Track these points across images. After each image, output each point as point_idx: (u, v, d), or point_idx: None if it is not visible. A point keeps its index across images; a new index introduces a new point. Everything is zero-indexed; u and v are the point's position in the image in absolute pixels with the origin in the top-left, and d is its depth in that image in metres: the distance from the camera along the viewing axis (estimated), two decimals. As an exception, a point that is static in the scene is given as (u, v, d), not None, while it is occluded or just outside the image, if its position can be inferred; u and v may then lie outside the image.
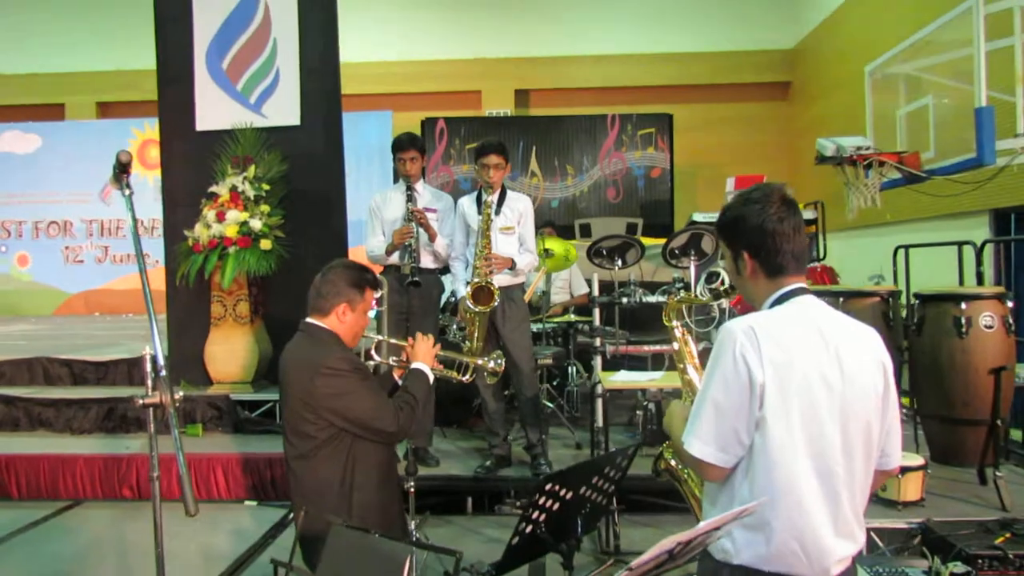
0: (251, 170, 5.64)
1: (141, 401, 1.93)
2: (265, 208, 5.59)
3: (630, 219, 7.17)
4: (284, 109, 5.87)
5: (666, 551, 1.59)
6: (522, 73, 11.53)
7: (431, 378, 2.98)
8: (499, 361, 3.38)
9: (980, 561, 3.02)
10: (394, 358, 3.13)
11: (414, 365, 2.97)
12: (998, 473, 3.70)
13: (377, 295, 4.08)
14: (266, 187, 5.65)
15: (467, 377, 3.30)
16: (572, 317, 5.96)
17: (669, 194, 9.93)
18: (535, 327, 5.73)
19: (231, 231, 5.44)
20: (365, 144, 10.20)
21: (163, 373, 1.92)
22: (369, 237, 4.86)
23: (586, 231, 7.12)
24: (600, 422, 4.71)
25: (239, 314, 5.61)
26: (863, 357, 1.81)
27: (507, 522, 4.27)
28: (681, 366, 2.47)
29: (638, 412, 5.09)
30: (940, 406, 3.85)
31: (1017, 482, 4.03)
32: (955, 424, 3.78)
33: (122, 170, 2.12)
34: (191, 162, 5.91)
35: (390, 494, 2.85)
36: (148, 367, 1.92)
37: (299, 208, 5.80)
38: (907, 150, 5.84)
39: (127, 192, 2.13)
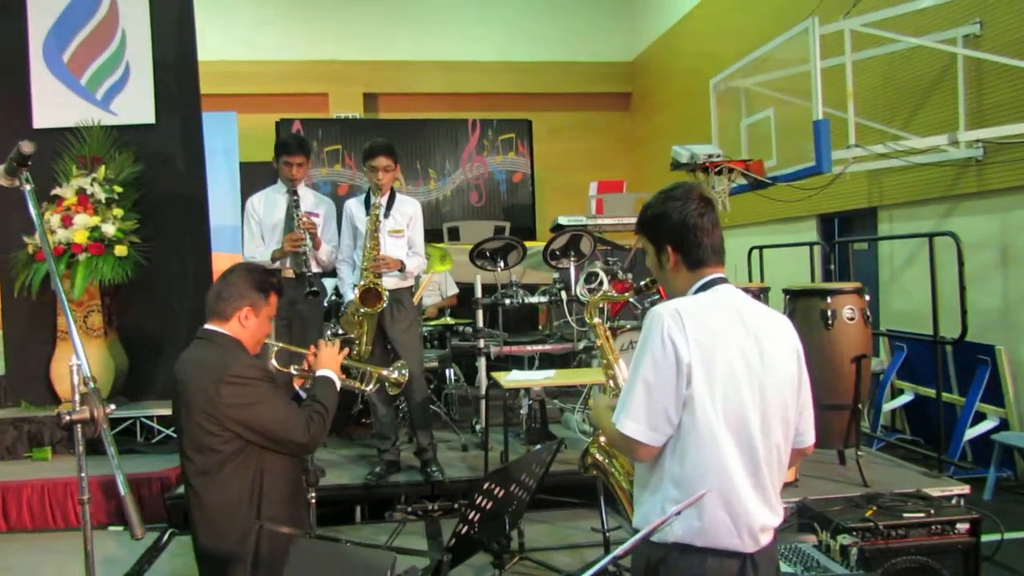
0: (101, 171, 5.21)
1: (68, 417, 1.73)
2: (118, 212, 5.17)
3: (497, 222, 7.25)
4: (136, 106, 5.45)
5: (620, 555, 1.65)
6: (370, 77, 11.38)
7: (338, 385, 2.86)
8: (403, 372, 3.29)
9: (855, 533, 3.30)
10: (296, 367, 2.99)
11: (320, 372, 2.84)
12: (859, 453, 4.06)
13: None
14: (119, 189, 5.24)
15: (370, 387, 3.20)
16: (449, 320, 5.94)
17: (531, 198, 10.12)
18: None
19: (80, 237, 5.00)
20: (209, 145, 9.63)
21: (92, 385, 1.74)
22: (247, 243, 4.60)
23: (454, 234, 7.12)
24: (483, 423, 4.76)
25: (91, 326, 5.16)
26: (780, 342, 1.95)
27: (396, 528, 4.20)
28: (604, 361, 2.54)
29: (521, 412, 5.15)
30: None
31: (870, 460, 4.43)
32: (823, 409, 4.07)
33: (21, 162, 1.91)
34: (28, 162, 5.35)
35: (300, 506, 2.74)
36: (75, 379, 1.73)
37: (157, 212, 5.42)
38: (752, 158, 6.29)
39: (28, 187, 1.91)
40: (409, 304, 4.54)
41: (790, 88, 6.17)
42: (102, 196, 5.14)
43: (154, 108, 5.49)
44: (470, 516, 2.33)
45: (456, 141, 10.04)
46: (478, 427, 5.19)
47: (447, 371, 5.83)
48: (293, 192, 4.50)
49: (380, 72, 11.33)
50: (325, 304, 5.21)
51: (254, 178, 9.44)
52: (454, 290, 6.43)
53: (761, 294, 4.41)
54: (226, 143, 9.55)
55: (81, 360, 1.75)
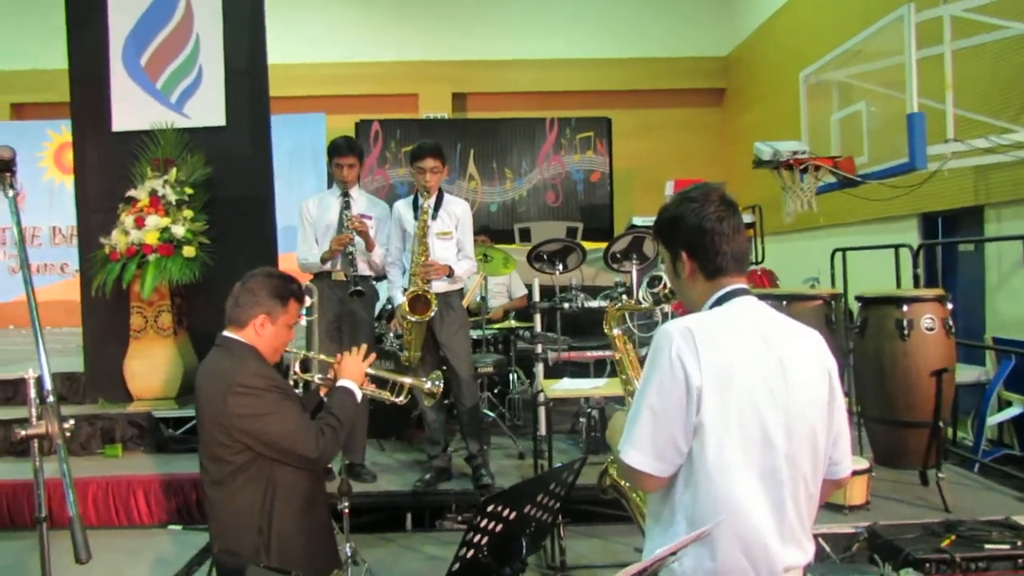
0: (172, 173, 5.35)
1: (23, 432, 1.68)
2: (188, 213, 5.30)
3: (570, 223, 7.08)
4: (208, 109, 5.58)
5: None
6: (459, 76, 11.36)
7: (358, 397, 2.76)
8: (437, 383, 3.16)
9: (928, 565, 2.99)
10: (320, 376, 2.92)
11: (340, 383, 2.74)
12: (940, 475, 3.70)
13: (307, 304, 3.87)
14: (189, 191, 5.36)
15: (401, 398, 3.07)
16: (513, 323, 5.83)
17: (608, 198, 9.89)
18: (475, 334, 5.59)
19: (151, 238, 5.14)
20: (297, 147, 9.87)
21: (50, 399, 1.69)
22: (300, 244, 4.63)
23: (525, 235, 7.00)
24: (543, 431, 4.59)
25: (161, 326, 5.30)
26: (807, 361, 1.74)
27: (448, 538, 4.11)
28: (623, 376, 2.37)
29: (581, 420, 4.98)
30: (883, 408, 3.83)
31: (957, 482, 4.04)
32: (898, 426, 3.77)
33: (3, 168, 1.89)
34: (107, 165, 5.57)
35: (315, 520, 2.64)
36: (32, 392, 1.68)
37: (225, 213, 5.52)
38: (841, 155, 5.91)
39: (11, 193, 1.90)
40: (459, 307, 4.44)
41: (884, 80, 5.79)
42: (173, 198, 5.26)
43: (224, 111, 5.60)
44: (474, 539, 2.17)
45: (533, 140, 9.90)
46: (539, 434, 5.04)
47: (510, 375, 5.71)
48: (345, 193, 4.48)
49: (469, 71, 11.31)
50: (377, 308, 5.16)
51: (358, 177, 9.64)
52: (522, 291, 6.29)
53: (832, 301, 4.07)
54: (314, 144, 9.74)
55: (43, 372, 1.70)
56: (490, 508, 2.19)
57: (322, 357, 3.02)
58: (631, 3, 11.47)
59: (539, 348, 4.94)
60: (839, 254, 5.92)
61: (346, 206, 4.44)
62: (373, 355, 2.89)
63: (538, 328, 5.05)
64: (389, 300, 5.53)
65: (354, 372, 2.78)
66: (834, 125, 6.41)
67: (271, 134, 5.68)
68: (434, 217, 4.37)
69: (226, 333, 2.62)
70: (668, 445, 1.64)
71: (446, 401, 4.78)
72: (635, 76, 11.37)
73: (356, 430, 4.53)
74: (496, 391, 5.79)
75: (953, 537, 3.15)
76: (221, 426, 2.44)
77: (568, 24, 11.36)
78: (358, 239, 4.40)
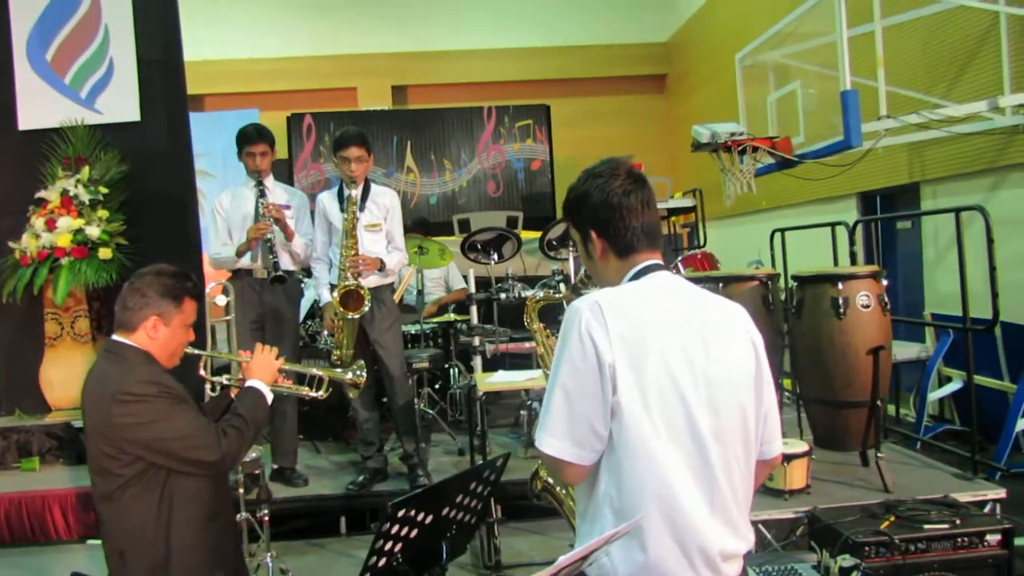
0: (85, 172, 5.07)
1: None
2: (103, 213, 5.02)
3: (510, 212, 6.94)
4: (121, 103, 5.30)
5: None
6: (398, 69, 11.14)
7: (268, 397, 2.59)
8: (359, 373, 3.02)
9: (867, 549, 2.93)
10: (227, 376, 2.74)
11: (248, 383, 2.57)
12: (879, 455, 3.65)
13: (224, 303, 3.67)
14: (104, 190, 5.09)
15: (321, 393, 2.92)
16: (452, 316, 5.67)
17: (550, 186, 9.76)
18: (413, 328, 5.43)
19: (63, 240, 4.87)
20: (231, 144, 9.55)
21: None
22: (212, 240, 4.41)
23: (465, 226, 6.83)
24: (479, 427, 4.45)
25: (78, 332, 5.03)
26: (730, 333, 1.64)
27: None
28: (547, 371, 2.25)
29: (522, 413, 4.85)
30: (821, 389, 3.76)
31: (897, 461, 4.01)
32: (837, 407, 3.70)
33: None
34: (15, 165, 5.26)
35: (220, 531, 2.46)
36: None
37: (144, 213, 5.25)
38: (778, 135, 5.88)
39: None
40: (390, 303, 4.28)
41: (818, 60, 5.76)
42: (86, 198, 5.00)
43: (139, 105, 5.34)
44: (384, 546, 2.03)
45: (472, 130, 9.72)
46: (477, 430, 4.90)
47: (451, 370, 5.56)
48: (259, 183, 4.29)
49: (408, 64, 11.11)
50: (303, 305, 4.97)
51: (278, 175, 9.36)
52: (460, 283, 6.13)
53: (769, 282, 4.00)
54: (248, 140, 9.43)
55: None
56: (401, 513, 2.04)
57: (226, 356, 2.83)
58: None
59: (476, 341, 4.80)
60: (778, 235, 5.88)
61: (261, 194, 4.26)
62: (282, 358, 2.71)
63: (475, 320, 4.91)
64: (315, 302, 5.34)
65: (263, 371, 2.61)
66: (771, 106, 6.38)
67: (190, 128, 5.43)
68: (362, 209, 4.21)
69: (115, 337, 2.43)
70: (585, 428, 1.53)
71: (383, 400, 4.61)
72: (576, 64, 11.27)
73: (285, 433, 4.36)
74: (437, 387, 5.64)
75: (892, 519, 3.10)
76: (106, 437, 2.26)
77: (507, 14, 11.21)
78: (277, 230, 4.21)
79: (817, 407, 3.88)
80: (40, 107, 5.28)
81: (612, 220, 1.68)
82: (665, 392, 1.53)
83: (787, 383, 5.15)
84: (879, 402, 3.62)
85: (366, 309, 3.94)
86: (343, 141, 4.14)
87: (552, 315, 4.29)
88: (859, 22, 5.51)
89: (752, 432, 1.64)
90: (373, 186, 4.34)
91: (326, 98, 10.97)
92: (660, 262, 1.71)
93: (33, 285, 4.87)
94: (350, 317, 3.94)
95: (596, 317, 1.54)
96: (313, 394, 2.87)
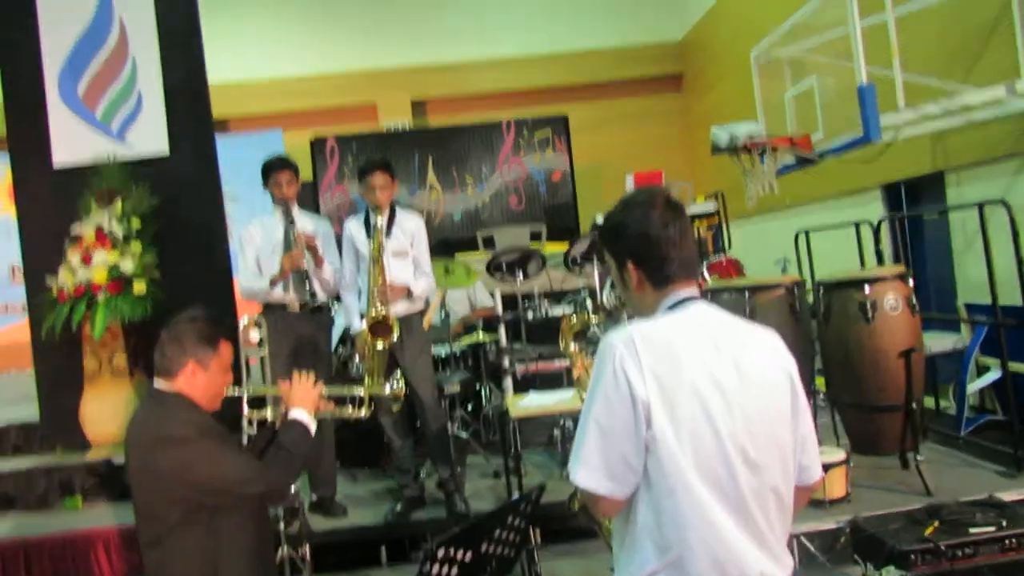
0: (118, 206, 5.14)
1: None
2: (137, 247, 5.10)
3: (533, 226, 6.94)
4: (150, 137, 5.39)
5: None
6: (417, 82, 11.16)
7: (312, 426, 2.64)
8: (398, 384, 3.05)
9: (913, 557, 2.90)
10: (273, 411, 2.79)
11: (290, 413, 2.62)
12: (919, 457, 3.62)
13: (258, 339, 3.73)
14: (136, 224, 5.16)
15: (364, 412, 2.97)
16: (481, 336, 5.69)
17: (572, 196, 9.76)
18: (442, 351, 5.45)
19: (100, 276, 4.94)
20: (254, 167, 9.65)
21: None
22: (242, 271, 4.44)
23: (489, 243, 6.86)
24: (513, 449, 4.47)
25: (116, 367, 5.12)
26: (764, 363, 1.65)
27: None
28: (583, 395, 2.26)
29: (556, 431, 4.85)
30: (855, 394, 3.74)
31: (937, 460, 3.97)
32: (871, 411, 3.68)
33: None
34: (50, 201, 5.36)
35: (264, 568, 2.51)
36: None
37: (175, 244, 5.33)
38: (797, 133, 5.84)
39: None
40: (419, 329, 4.30)
41: (834, 53, 5.70)
42: (120, 232, 5.07)
43: (167, 137, 5.42)
44: (428, 584, 2.06)
45: (492, 144, 9.75)
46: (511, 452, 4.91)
47: (483, 390, 5.56)
48: (287, 211, 4.34)
49: (426, 77, 11.10)
50: (336, 334, 5.01)
51: (303, 198, 9.47)
52: (486, 300, 6.13)
53: (795, 288, 3.98)
54: (273, 163, 9.52)
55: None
56: (441, 553, 2.07)
57: (264, 389, 2.88)
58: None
59: (506, 362, 4.81)
60: (803, 236, 5.83)
61: (291, 223, 4.30)
62: (321, 383, 2.76)
63: (503, 340, 4.91)
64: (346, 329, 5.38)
65: (304, 399, 2.66)
66: (788, 103, 6.33)
67: (218, 158, 5.51)
68: (388, 235, 4.24)
69: (156, 385, 2.48)
70: (619, 463, 1.55)
71: (416, 426, 4.63)
72: (592, 68, 11.20)
73: (323, 463, 4.40)
74: (469, 408, 5.65)
75: (936, 524, 3.07)
76: (152, 484, 2.31)
77: (520, 23, 11.19)
78: (308, 258, 4.26)
79: (851, 412, 3.85)
80: (73, 143, 5.37)
81: (650, 252, 1.70)
82: (699, 426, 1.55)
83: (820, 383, 5.11)
84: (914, 405, 3.58)
85: (395, 338, 3.97)
86: (367, 169, 4.18)
87: (582, 332, 4.27)
88: (871, 11, 5.46)
89: (790, 461, 1.65)
90: (399, 211, 4.36)
91: (347, 114, 11.03)
92: (697, 293, 1.73)
93: (71, 321, 4.95)
94: (379, 348, 3.97)
95: (630, 352, 1.56)
96: (357, 413, 2.93)
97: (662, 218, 1.69)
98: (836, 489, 3.48)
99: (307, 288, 4.20)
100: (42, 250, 5.36)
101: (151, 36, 5.45)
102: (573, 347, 2.30)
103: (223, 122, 11.01)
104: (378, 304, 4.00)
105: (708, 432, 1.55)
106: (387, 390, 2.99)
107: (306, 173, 9.61)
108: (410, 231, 4.32)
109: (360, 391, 2.92)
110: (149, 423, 2.38)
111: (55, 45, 5.43)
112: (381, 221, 4.17)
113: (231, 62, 10.65)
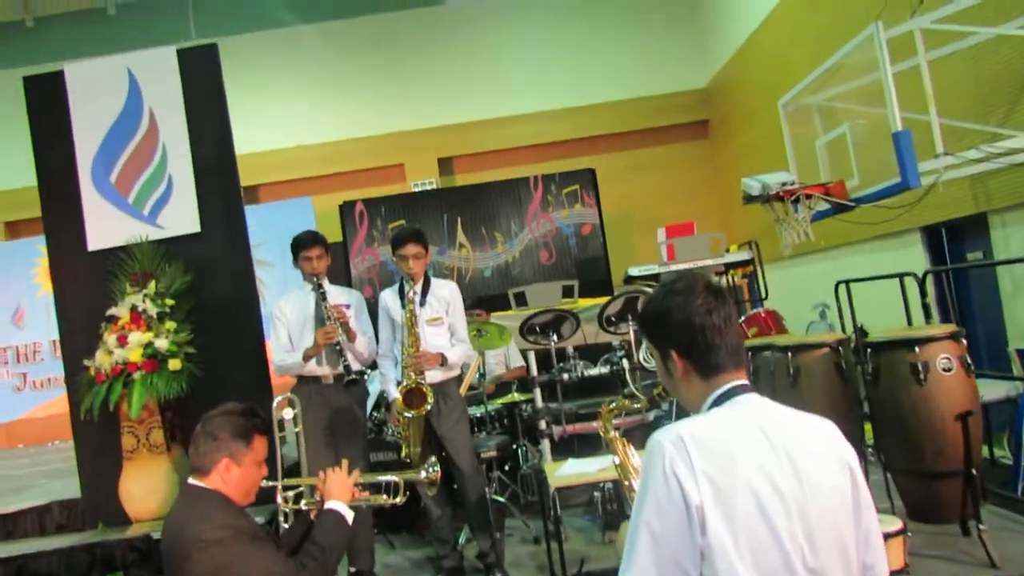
0: (151, 286, 5.21)
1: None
2: (171, 325, 5.14)
3: (565, 282, 6.90)
4: (181, 217, 5.47)
5: None
6: (443, 141, 11.33)
7: (348, 517, 2.60)
8: (433, 469, 3.00)
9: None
10: (305, 501, 2.75)
11: (326, 505, 2.59)
12: (980, 526, 3.44)
13: (291, 416, 3.70)
14: (170, 302, 5.20)
15: (399, 499, 2.92)
16: (516, 396, 5.61)
17: (602, 249, 9.73)
18: (477, 411, 5.39)
19: (135, 355, 4.98)
20: (286, 234, 9.74)
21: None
22: (275, 347, 4.47)
23: (521, 300, 6.83)
24: (552, 516, 4.35)
25: (153, 443, 5.12)
26: (820, 455, 1.56)
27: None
28: (627, 483, 2.19)
29: (596, 493, 4.73)
30: (909, 460, 3.58)
31: (1002, 527, 3.77)
32: (928, 478, 3.52)
33: None
34: (86, 284, 5.45)
35: None
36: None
37: (208, 319, 5.35)
38: (831, 180, 5.74)
39: None
40: (456, 396, 4.26)
41: (866, 98, 5.64)
42: (153, 311, 5.12)
43: (199, 216, 5.49)
44: None
45: (520, 200, 9.79)
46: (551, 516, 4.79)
47: (519, 451, 5.47)
48: (319, 285, 4.35)
49: (453, 135, 11.30)
50: (370, 403, 4.97)
51: (335, 261, 9.53)
52: (520, 361, 6.07)
53: (840, 347, 3.85)
54: (304, 229, 9.63)
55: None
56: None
57: (306, 481, 2.84)
58: (605, 46, 11.46)
59: (543, 424, 4.73)
60: (843, 287, 5.69)
61: (323, 298, 4.31)
62: (356, 471, 2.71)
63: (539, 402, 4.83)
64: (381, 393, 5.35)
65: (340, 490, 2.62)
66: (820, 150, 6.23)
67: (248, 233, 5.56)
68: (422, 304, 4.23)
69: (191, 480, 2.46)
70: (673, 570, 1.46)
71: (454, 492, 4.56)
72: (618, 119, 11.30)
73: (360, 534, 4.32)
74: (507, 467, 5.56)
75: (1004, 598, 2.90)
76: None
77: (545, 78, 11.34)
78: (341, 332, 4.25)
79: (907, 479, 3.69)
80: (107, 227, 5.47)
81: (695, 340, 1.64)
82: (757, 530, 1.46)
83: (869, 431, 4.92)
84: (974, 470, 3.42)
85: (429, 407, 3.93)
86: (401, 240, 4.19)
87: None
88: (903, 57, 5.40)
89: (853, 560, 1.55)
90: (433, 280, 4.37)
91: (375, 176, 11.21)
92: (746, 382, 1.66)
93: (109, 401, 4.98)
94: (412, 416, 3.93)
95: (680, 454, 1.49)
96: (392, 501, 2.88)
97: (705, 305, 1.64)
98: (894, 560, 3.31)
99: (342, 360, 4.18)
100: (79, 329, 5.43)
101: (180, 121, 5.54)
102: (613, 433, 2.22)
103: (253, 190, 11.28)
104: (412, 372, 3.98)
105: (768, 538, 1.46)
106: (423, 475, 2.94)
107: (336, 236, 9.74)
108: (444, 298, 4.31)
109: (395, 477, 2.86)
110: (186, 521, 2.35)
111: (87, 133, 5.56)
112: (415, 290, 4.16)
113: (259, 132, 10.99)
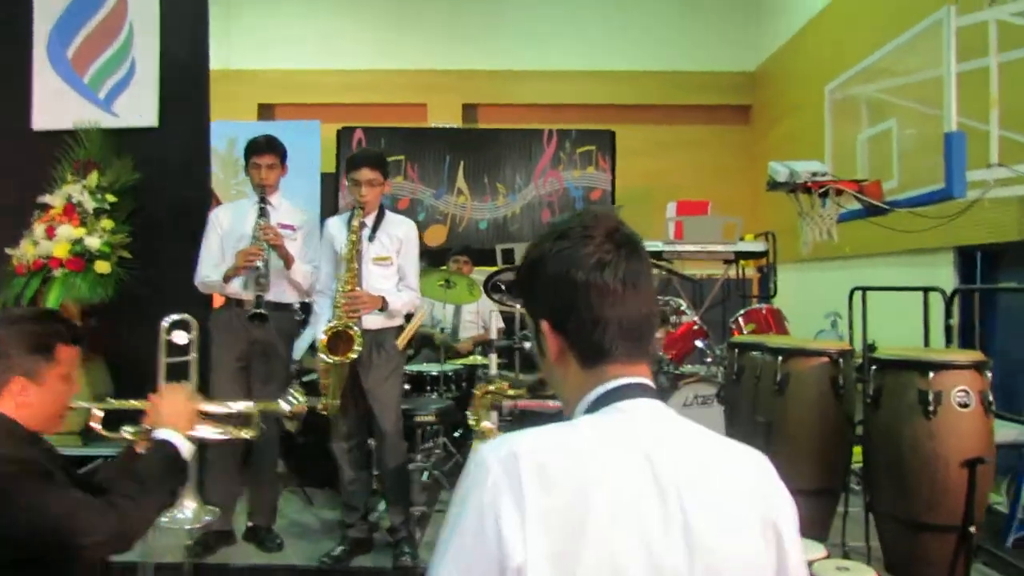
0: (93, 178, 4.71)
1: None
2: (107, 224, 4.65)
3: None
4: (139, 107, 4.94)
5: None
6: (470, 87, 10.81)
7: (183, 448, 2.08)
8: (295, 399, 2.43)
9: None
10: (129, 428, 2.26)
11: (156, 434, 2.08)
12: (971, 594, 2.88)
13: (182, 341, 3.20)
14: (111, 199, 4.71)
15: (250, 433, 2.40)
16: (479, 358, 5.11)
17: (610, 219, 9.15)
18: (434, 368, 4.90)
19: (61, 250, 4.50)
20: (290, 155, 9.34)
21: None
22: (203, 259, 4.02)
23: (508, 257, 6.28)
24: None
25: (69, 351, 4.66)
26: (733, 509, 1.01)
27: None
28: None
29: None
30: (898, 505, 3.00)
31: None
32: (917, 529, 2.95)
33: None
34: (26, 167, 4.96)
35: None
36: None
37: (152, 224, 4.86)
38: (868, 178, 5.20)
39: None
40: (392, 348, 3.74)
41: (919, 96, 5.05)
42: (91, 206, 4.64)
43: (158, 110, 4.97)
44: None
45: (530, 153, 9.18)
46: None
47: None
48: (263, 199, 3.85)
49: (480, 82, 10.75)
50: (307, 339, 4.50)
51: (326, 189, 9.20)
52: (501, 323, 5.58)
53: (841, 359, 3.27)
54: (308, 153, 9.20)
55: None
56: None
57: (131, 404, 2.31)
58: (653, 11, 10.85)
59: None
60: (858, 294, 5.11)
61: (261, 213, 3.81)
62: (199, 397, 2.24)
63: (493, 369, 4.30)
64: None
65: (175, 417, 2.11)
66: (861, 145, 5.69)
67: (210, 139, 5.05)
68: (371, 239, 3.71)
69: (-21, 406, 1.94)
70: None
71: (367, 457, 4.05)
72: (652, 90, 10.70)
73: (262, 486, 3.87)
74: (458, 434, 5.08)
75: None
76: None
77: (585, 36, 10.78)
78: (274, 256, 3.76)
79: (891, 524, 3.11)
80: (57, 107, 4.98)
81: (575, 306, 1.08)
82: None
83: (858, 452, 4.35)
84: (970, 528, 2.84)
85: (354, 356, 3.42)
86: (354, 163, 3.70)
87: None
88: (969, 57, 4.80)
89: None
90: (388, 214, 3.87)
91: (395, 113, 10.71)
92: (644, 381, 1.09)
93: (23, 296, 4.51)
94: (333, 361, 3.42)
95: (510, 482, 0.94)
96: (241, 435, 2.37)
97: (597, 255, 1.08)
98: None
99: (260, 286, 3.70)
100: (9, 219, 4.92)
101: (152, 5, 5.01)
102: (486, 423, 1.70)
103: (269, 108, 10.87)
104: (344, 313, 3.47)
105: None
106: (284, 407, 2.38)
107: (331, 164, 9.25)
108: (398, 237, 3.81)
109: (242, 409, 2.34)
110: None
111: (48, 4, 5.04)
112: (363, 221, 3.63)
113: (285, 50, 10.58)
